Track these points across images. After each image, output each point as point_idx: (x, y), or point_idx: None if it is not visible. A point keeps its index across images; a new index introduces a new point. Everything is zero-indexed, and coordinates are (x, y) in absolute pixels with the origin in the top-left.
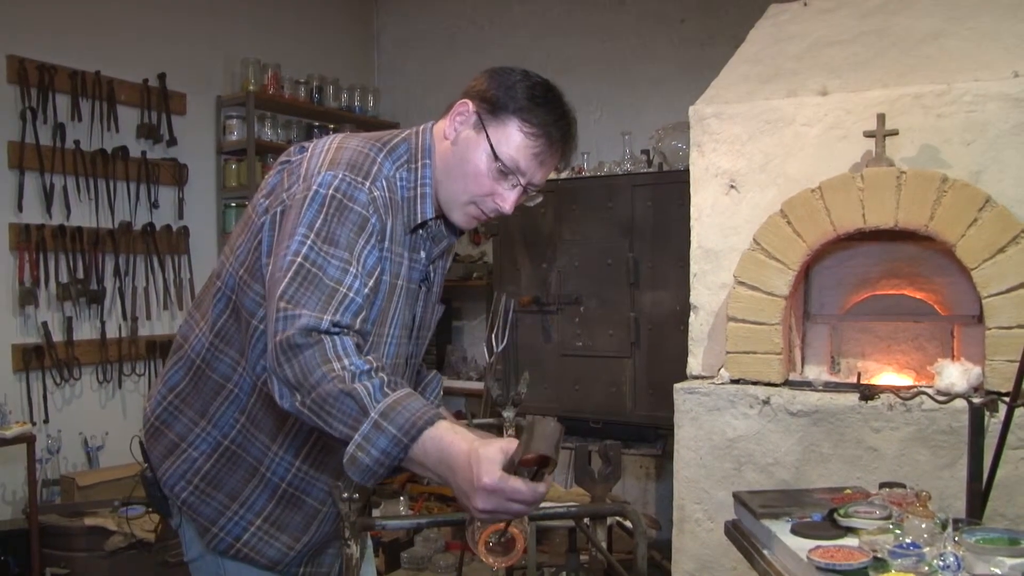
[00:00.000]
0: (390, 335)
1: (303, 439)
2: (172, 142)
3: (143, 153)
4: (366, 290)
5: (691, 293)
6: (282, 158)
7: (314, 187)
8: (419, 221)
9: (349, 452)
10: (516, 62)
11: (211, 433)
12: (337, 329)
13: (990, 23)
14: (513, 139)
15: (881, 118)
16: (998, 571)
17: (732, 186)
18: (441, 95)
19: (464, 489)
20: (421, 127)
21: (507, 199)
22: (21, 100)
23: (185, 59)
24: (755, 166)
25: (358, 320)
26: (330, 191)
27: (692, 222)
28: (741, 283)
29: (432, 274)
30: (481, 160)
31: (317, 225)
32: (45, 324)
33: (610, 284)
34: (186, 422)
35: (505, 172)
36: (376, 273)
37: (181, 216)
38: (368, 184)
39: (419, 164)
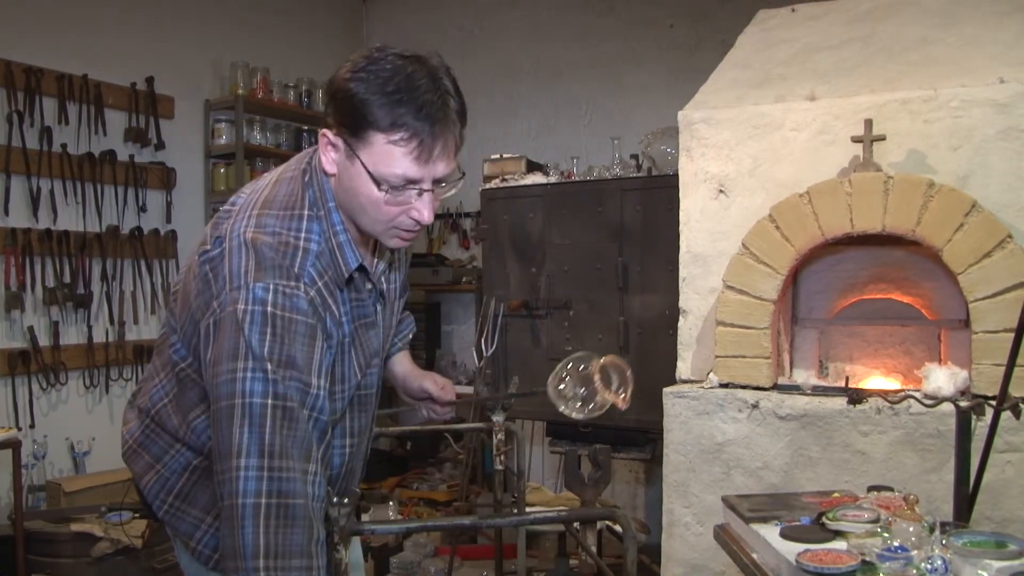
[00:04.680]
0: (346, 388)
1: None
2: (160, 146)
3: (131, 157)
4: (326, 391)
5: (680, 297)
6: (202, 248)
7: (249, 306)
8: (347, 276)
9: None
10: (505, 67)
11: (184, 454)
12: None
13: (975, 30)
14: (387, 154)
15: (868, 123)
16: (985, 574)
17: (721, 191)
18: None
19: None
20: (315, 160)
21: (422, 210)
22: (8, 103)
23: (173, 62)
24: (744, 171)
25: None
26: (268, 308)
27: (681, 227)
28: (730, 287)
29: (386, 287)
30: (369, 188)
31: (265, 350)
32: (31, 329)
33: (599, 288)
34: (162, 444)
35: (400, 188)
36: (330, 366)
37: (169, 220)
38: (302, 287)
39: (325, 211)
